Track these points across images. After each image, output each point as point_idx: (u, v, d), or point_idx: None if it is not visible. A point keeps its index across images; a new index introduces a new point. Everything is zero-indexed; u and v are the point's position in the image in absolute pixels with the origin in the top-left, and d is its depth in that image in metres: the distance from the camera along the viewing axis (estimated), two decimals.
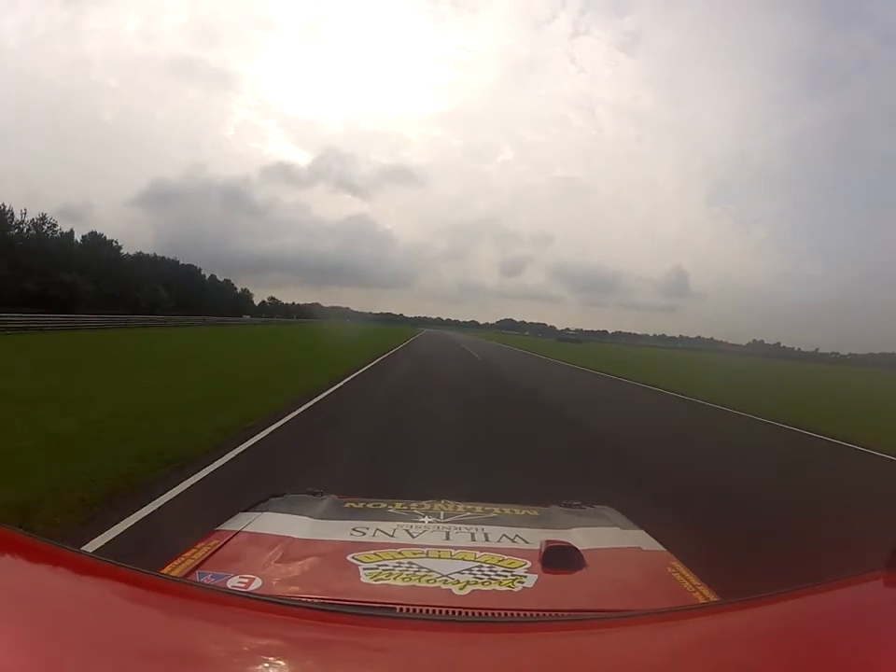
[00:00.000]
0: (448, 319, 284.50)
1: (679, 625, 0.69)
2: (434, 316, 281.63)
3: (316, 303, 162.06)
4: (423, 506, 1.57)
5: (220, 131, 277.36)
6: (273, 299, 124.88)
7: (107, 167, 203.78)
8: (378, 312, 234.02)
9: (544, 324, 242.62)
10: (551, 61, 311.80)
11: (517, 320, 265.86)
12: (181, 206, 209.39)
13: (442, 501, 1.62)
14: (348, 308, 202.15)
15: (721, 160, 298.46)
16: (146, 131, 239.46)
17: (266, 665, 0.54)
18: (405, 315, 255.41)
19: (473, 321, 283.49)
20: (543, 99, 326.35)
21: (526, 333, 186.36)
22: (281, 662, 0.55)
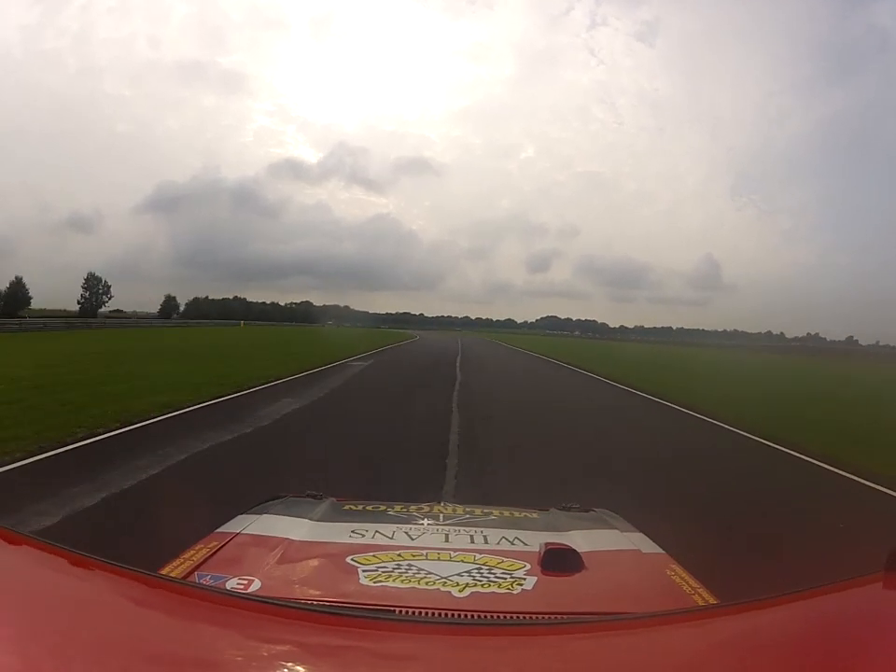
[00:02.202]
0: (479, 319, 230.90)
1: (679, 628, 0.69)
2: (461, 316, 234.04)
3: (323, 304, 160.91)
4: (422, 508, 1.57)
5: (239, 136, 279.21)
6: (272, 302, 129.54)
7: (128, 177, 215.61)
8: (396, 312, 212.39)
9: (594, 321, 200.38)
10: (569, 53, 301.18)
11: (561, 317, 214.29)
12: (204, 213, 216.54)
13: (441, 504, 1.62)
14: (366, 311, 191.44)
15: (745, 148, 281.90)
16: (163, 139, 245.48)
17: (265, 666, 0.54)
18: (426, 314, 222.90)
19: (509, 320, 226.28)
20: (564, 92, 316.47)
21: (576, 333, 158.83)
22: (280, 663, 0.55)
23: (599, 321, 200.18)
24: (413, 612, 0.93)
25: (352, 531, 1.33)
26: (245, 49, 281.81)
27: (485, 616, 0.93)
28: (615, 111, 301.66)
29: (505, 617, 0.94)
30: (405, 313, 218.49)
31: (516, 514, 1.61)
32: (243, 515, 1.47)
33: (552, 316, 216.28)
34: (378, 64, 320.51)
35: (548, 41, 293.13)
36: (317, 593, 1.01)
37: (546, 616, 0.95)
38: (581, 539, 1.32)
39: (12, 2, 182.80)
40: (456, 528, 1.38)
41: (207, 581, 1.02)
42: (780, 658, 0.59)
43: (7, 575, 0.66)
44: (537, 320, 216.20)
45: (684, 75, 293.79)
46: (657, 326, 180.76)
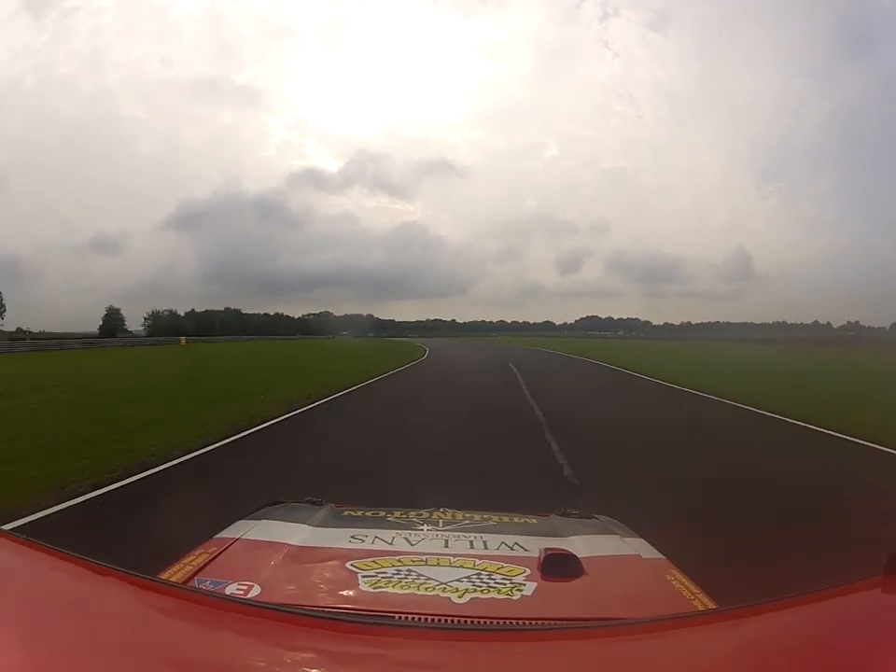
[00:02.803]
0: (514, 322, 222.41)
1: (678, 633, 0.68)
2: (496, 320, 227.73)
3: (344, 314, 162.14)
4: (422, 514, 1.57)
5: (261, 151, 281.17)
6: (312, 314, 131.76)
7: (150, 196, 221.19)
8: (426, 319, 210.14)
9: (636, 319, 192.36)
10: (584, 47, 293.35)
11: (601, 317, 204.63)
12: (229, 229, 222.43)
13: (441, 510, 1.62)
14: (392, 319, 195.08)
15: (768, 135, 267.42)
16: (185, 156, 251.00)
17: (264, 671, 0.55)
18: (458, 320, 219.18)
19: (547, 322, 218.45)
20: (581, 88, 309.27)
21: (620, 333, 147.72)
22: (279, 669, 0.55)
23: (642, 319, 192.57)
24: (413, 618, 0.93)
25: (351, 537, 1.33)
26: (257, 63, 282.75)
27: (485, 622, 0.93)
28: (635, 105, 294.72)
29: (505, 622, 0.93)
30: (436, 320, 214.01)
31: (516, 520, 1.60)
32: (242, 521, 1.47)
33: (591, 316, 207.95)
34: (394, 70, 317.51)
35: (562, 36, 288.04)
36: (317, 598, 1.01)
37: (546, 622, 0.95)
38: (581, 545, 1.32)
39: (23, 32, 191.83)
40: (456, 534, 1.38)
41: (207, 586, 1.02)
42: (780, 663, 0.58)
43: (8, 579, 0.66)
44: (576, 321, 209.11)
45: (700, 63, 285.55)
46: (703, 321, 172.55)
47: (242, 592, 1.00)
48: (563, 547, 1.23)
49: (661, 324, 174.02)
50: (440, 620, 0.92)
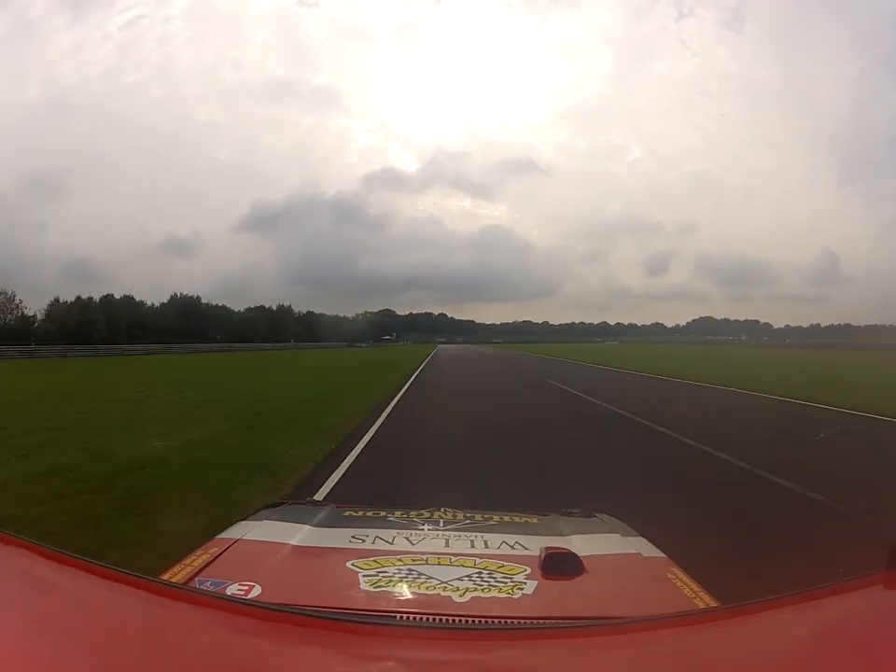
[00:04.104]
0: (619, 325, 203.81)
1: (679, 632, 0.68)
2: (597, 322, 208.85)
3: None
4: (422, 514, 1.57)
5: (343, 157, 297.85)
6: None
7: (232, 200, 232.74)
8: (514, 321, 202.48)
9: (756, 321, 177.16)
10: (662, 46, 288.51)
11: (717, 318, 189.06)
12: (311, 231, 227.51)
13: (442, 509, 1.62)
14: (471, 320, 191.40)
15: (848, 133, 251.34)
16: (269, 160, 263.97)
17: None
18: (550, 322, 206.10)
19: (657, 324, 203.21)
20: (661, 89, 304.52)
21: (743, 338, 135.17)
22: (281, 669, 0.55)
23: (761, 321, 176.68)
24: (414, 617, 0.93)
25: (352, 536, 1.33)
26: (336, 68, 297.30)
27: (486, 621, 0.93)
28: (716, 103, 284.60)
29: (506, 621, 0.93)
30: (526, 321, 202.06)
31: (516, 519, 1.60)
32: (243, 521, 1.47)
33: (705, 318, 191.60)
34: (476, 75, 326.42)
35: (639, 36, 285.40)
36: (318, 598, 1.01)
37: (547, 620, 0.95)
38: (582, 543, 1.31)
39: (107, 45, 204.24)
40: (457, 533, 1.38)
41: (208, 586, 1.02)
42: (781, 660, 0.59)
43: (7, 580, 0.66)
44: (687, 324, 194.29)
45: (777, 59, 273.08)
46: (834, 323, 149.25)
47: (243, 592, 1.01)
48: (563, 546, 1.23)
49: (781, 327, 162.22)
50: (441, 619, 0.92)
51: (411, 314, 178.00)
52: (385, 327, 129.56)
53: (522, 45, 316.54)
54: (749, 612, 0.67)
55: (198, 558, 1.17)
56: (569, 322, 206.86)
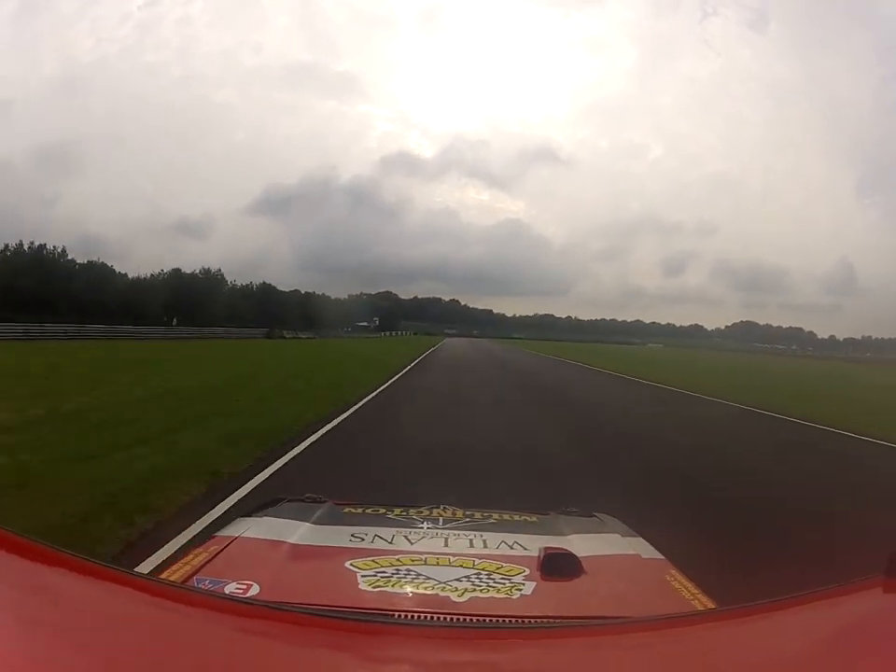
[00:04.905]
0: (654, 324, 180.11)
1: (677, 633, 0.69)
2: (630, 320, 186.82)
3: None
4: (422, 512, 1.57)
5: (363, 142, 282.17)
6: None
7: (246, 182, 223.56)
8: (534, 314, 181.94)
9: (800, 329, 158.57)
10: (684, 46, 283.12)
11: (760, 323, 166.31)
12: (328, 218, 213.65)
13: (441, 507, 1.62)
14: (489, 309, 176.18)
15: (872, 141, 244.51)
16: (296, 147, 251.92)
17: (263, 671, 0.54)
18: (577, 317, 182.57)
19: (696, 326, 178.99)
20: (683, 87, 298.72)
21: (794, 347, 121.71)
22: (278, 668, 0.55)
23: (805, 329, 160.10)
24: (412, 617, 0.93)
25: (351, 535, 1.33)
26: (357, 54, 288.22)
27: (485, 621, 0.93)
28: (736, 104, 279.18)
29: (504, 622, 0.93)
30: (547, 315, 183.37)
31: (516, 518, 1.60)
32: (242, 519, 1.47)
33: (747, 322, 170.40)
34: (497, 66, 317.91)
35: (663, 36, 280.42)
36: (316, 597, 1.00)
37: (545, 621, 0.95)
38: (581, 544, 1.31)
39: (127, 23, 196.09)
40: (456, 532, 1.38)
41: (206, 585, 1.02)
42: (779, 663, 0.59)
43: (7, 577, 0.66)
44: (726, 327, 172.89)
45: (801, 63, 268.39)
46: (886, 337, 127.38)
47: (241, 591, 1.01)
48: (562, 546, 1.23)
49: (825, 337, 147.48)
50: (439, 619, 0.92)
51: (416, 297, 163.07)
52: (385, 312, 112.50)
53: (544, 38, 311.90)
54: (747, 615, 0.68)
55: (196, 556, 1.17)
56: (599, 318, 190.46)
